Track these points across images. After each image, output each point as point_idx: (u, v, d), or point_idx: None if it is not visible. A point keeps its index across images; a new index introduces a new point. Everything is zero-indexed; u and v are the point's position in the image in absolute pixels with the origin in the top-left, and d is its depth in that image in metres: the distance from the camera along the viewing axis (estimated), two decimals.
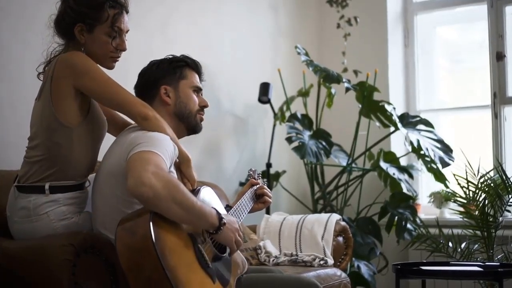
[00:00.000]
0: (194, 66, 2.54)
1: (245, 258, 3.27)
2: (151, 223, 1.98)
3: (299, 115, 4.30)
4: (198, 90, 2.53)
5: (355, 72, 4.54)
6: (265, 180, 2.83)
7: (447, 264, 3.05)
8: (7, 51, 3.06)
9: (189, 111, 2.48)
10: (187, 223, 2.11)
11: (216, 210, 2.17)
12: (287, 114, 4.42)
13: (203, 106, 2.54)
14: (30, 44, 3.08)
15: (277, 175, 4.50)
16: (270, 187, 4.36)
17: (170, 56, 2.54)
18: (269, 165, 4.28)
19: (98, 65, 2.38)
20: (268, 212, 4.02)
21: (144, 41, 3.69)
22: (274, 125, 4.41)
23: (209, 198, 2.36)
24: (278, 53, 4.81)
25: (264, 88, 4.28)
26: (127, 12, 2.46)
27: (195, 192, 2.32)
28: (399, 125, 4.17)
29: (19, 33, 3.10)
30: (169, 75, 2.47)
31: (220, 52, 4.34)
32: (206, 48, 4.22)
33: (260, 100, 4.32)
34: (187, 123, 2.49)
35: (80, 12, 2.36)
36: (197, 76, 2.54)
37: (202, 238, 2.18)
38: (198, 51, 4.14)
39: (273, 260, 3.37)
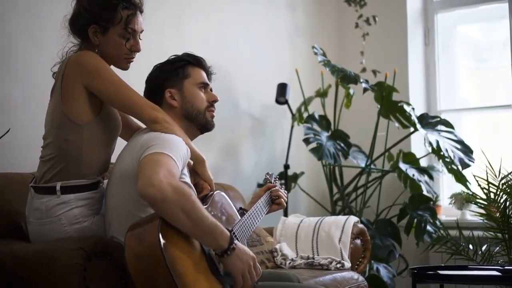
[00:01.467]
0: (196, 62, 2.49)
1: (261, 261, 3.28)
2: (159, 230, 1.94)
3: (316, 116, 4.26)
4: (204, 86, 2.48)
5: (374, 72, 4.50)
6: (282, 182, 2.80)
7: (465, 268, 2.98)
8: (21, 52, 3.05)
9: (197, 109, 2.43)
10: (193, 236, 2.05)
11: (230, 234, 2.08)
12: (305, 115, 4.38)
13: (212, 102, 2.49)
14: (43, 45, 3.07)
15: (295, 177, 4.46)
16: (288, 189, 4.33)
17: (173, 57, 2.50)
18: (287, 166, 4.24)
19: (109, 66, 2.36)
20: (286, 214, 3.98)
21: (159, 41, 3.67)
22: (292, 126, 4.37)
23: (222, 204, 2.32)
24: (296, 53, 4.78)
25: (281, 89, 4.25)
26: (141, 12, 2.43)
27: (208, 196, 2.30)
28: (418, 125, 4.11)
29: (33, 34, 3.09)
30: (172, 77, 2.44)
31: (236, 52, 4.31)
32: (222, 48, 4.19)
33: (278, 101, 4.28)
34: (197, 122, 2.45)
35: (93, 13, 2.34)
36: (202, 71, 2.49)
37: None
38: (214, 51, 4.12)
39: (289, 263, 3.33)
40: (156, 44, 3.54)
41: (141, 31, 2.44)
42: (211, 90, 2.53)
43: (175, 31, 3.89)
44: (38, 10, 3.13)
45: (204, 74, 2.50)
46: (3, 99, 3.00)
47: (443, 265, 3.39)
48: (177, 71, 2.44)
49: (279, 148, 4.56)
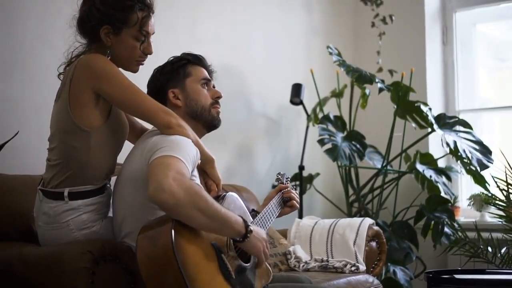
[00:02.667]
0: (196, 60, 2.47)
1: (274, 263, 3.24)
2: (173, 232, 1.92)
3: (331, 117, 4.21)
4: (207, 82, 2.45)
5: (391, 72, 4.44)
6: (294, 184, 2.76)
7: (483, 272, 2.92)
8: (29, 53, 3.03)
9: (201, 106, 2.40)
10: (212, 230, 2.05)
11: (243, 218, 2.10)
12: (320, 116, 4.33)
13: (216, 98, 2.46)
14: (52, 46, 3.04)
15: (310, 178, 4.41)
16: (304, 190, 4.29)
17: (172, 58, 2.47)
18: (301, 167, 4.19)
19: (120, 70, 2.30)
20: (300, 216, 3.94)
21: (171, 41, 3.63)
22: (307, 127, 4.33)
23: (234, 205, 2.30)
24: (311, 53, 4.73)
25: (296, 89, 4.20)
26: (153, 13, 2.38)
27: (220, 198, 2.27)
28: (435, 126, 4.04)
29: (42, 34, 3.07)
30: (173, 77, 2.41)
31: (251, 52, 4.28)
32: (236, 48, 4.16)
33: (292, 102, 4.24)
34: (203, 120, 2.42)
35: (107, 14, 2.29)
36: (202, 69, 2.47)
37: (226, 248, 2.11)
38: (228, 51, 4.10)
39: (303, 266, 3.28)
40: (167, 45, 3.50)
41: (153, 33, 2.39)
42: (213, 87, 2.50)
43: (188, 31, 3.86)
44: (45, 10, 3.11)
45: (205, 71, 2.47)
46: (14, 101, 2.98)
47: (460, 268, 3.32)
48: (178, 71, 2.42)
49: (294, 149, 4.52)
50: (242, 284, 2.09)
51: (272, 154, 4.41)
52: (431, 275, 2.65)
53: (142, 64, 2.40)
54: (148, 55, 2.39)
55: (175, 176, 1.96)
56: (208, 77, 2.48)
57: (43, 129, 2.65)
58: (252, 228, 2.10)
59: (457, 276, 2.67)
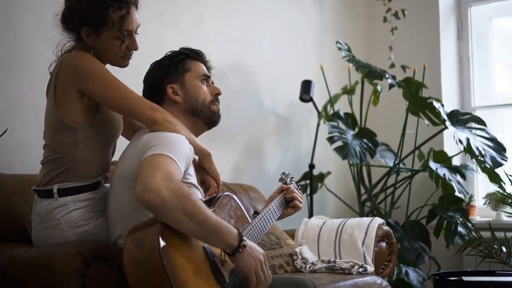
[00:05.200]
0: (195, 56, 2.41)
1: (280, 264, 3.16)
2: (159, 235, 1.84)
3: (342, 114, 4.12)
4: (206, 78, 2.39)
5: (403, 68, 4.35)
6: (299, 187, 2.69)
7: (492, 273, 2.82)
8: (30, 51, 2.97)
9: (201, 103, 2.34)
10: (199, 238, 1.96)
11: (238, 230, 1.99)
12: (331, 113, 4.25)
13: (216, 95, 2.39)
14: (54, 43, 2.99)
15: (321, 177, 4.33)
16: (315, 189, 4.21)
17: (170, 53, 2.41)
18: (311, 166, 4.11)
19: (105, 66, 2.26)
20: (310, 216, 3.86)
21: (178, 38, 3.55)
22: (318, 125, 4.24)
23: (230, 206, 2.22)
24: (323, 49, 4.64)
25: (306, 86, 4.12)
26: (136, 6, 2.30)
27: (215, 199, 2.19)
28: (448, 123, 3.93)
29: (42, 32, 3.00)
30: (172, 72, 2.35)
31: (260, 49, 4.20)
32: (244, 45, 4.09)
33: (302, 99, 4.16)
34: (203, 116, 2.35)
35: (82, 16, 2.24)
36: (201, 65, 2.41)
37: (219, 251, 2.03)
38: (236, 48, 4.03)
39: (309, 267, 3.19)
40: (173, 41, 3.43)
41: (138, 26, 2.32)
42: (212, 83, 2.43)
43: (194, 27, 3.78)
44: (47, 5, 3.03)
45: (204, 67, 2.41)
46: (18, 99, 2.93)
47: (469, 270, 3.22)
48: (177, 66, 2.36)
49: (305, 147, 4.44)
50: None
51: (282, 153, 4.34)
52: (437, 277, 2.55)
53: (130, 59, 2.34)
54: (135, 51, 2.31)
55: (162, 176, 1.89)
56: (208, 73, 2.42)
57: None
58: (246, 244, 1.97)
59: (465, 278, 2.57)
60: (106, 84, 2.19)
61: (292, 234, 3.49)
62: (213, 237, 1.94)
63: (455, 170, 4.11)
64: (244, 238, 1.98)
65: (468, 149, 3.85)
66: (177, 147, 2.07)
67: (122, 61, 2.33)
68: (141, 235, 1.89)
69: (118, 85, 2.20)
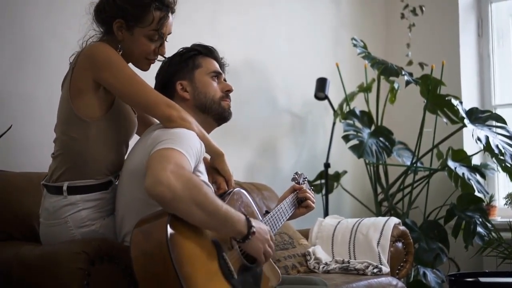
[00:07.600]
0: (207, 52, 2.36)
1: (293, 265, 3.10)
2: (168, 227, 1.81)
3: (357, 112, 4.06)
4: (217, 75, 2.35)
5: (421, 65, 4.27)
6: (311, 187, 2.64)
7: (510, 275, 2.74)
8: (46, 51, 2.94)
9: (211, 99, 2.30)
10: (211, 228, 1.93)
11: (246, 217, 1.98)
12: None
13: (227, 91, 2.34)
14: (69, 44, 2.95)
15: (337, 176, 4.26)
16: (331, 189, 4.15)
17: (181, 49, 2.37)
18: (327, 165, 4.04)
19: (123, 60, 2.20)
20: (325, 216, 3.80)
21: (192, 36, 3.48)
22: (334, 123, 4.18)
23: (241, 201, 2.18)
24: (339, 46, 4.58)
25: (321, 84, 4.06)
26: (172, 13, 2.28)
27: (226, 194, 2.16)
28: (466, 120, 3.85)
29: (58, 32, 2.99)
30: (182, 68, 2.31)
31: (274, 46, 4.15)
32: (259, 42, 4.04)
33: (317, 97, 4.10)
34: (213, 113, 2.31)
35: (122, 8, 2.20)
36: (213, 61, 2.36)
37: (228, 245, 2.00)
38: (250, 45, 3.98)
39: (323, 268, 3.13)
40: (187, 38, 3.38)
41: (169, 34, 2.29)
42: (225, 80, 2.38)
43: (209, 24, 3.74)
44: (63, 8, 3.02)
45: (216, 64, 2.36)
46: (27, 98, 2.90)
47: (487, 271, 3.13)
48: (187, 62, 2.32)
49: (320, 146, 4.37)
50: (244, 285, 1.97)
51: (297, 151, 4.28)
52: (453, 278, 2.48)
53: (153, 63, 2.31)
54: (161, 56, 2.29)
55: (173, 168, 1.86)
56: (219, 69, 2.37)
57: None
58: (255, 230, 1.98)
59: (482, 280, 2.49)
60: (124, 76, 2.14)
61: (306, 234, 3.44)
62: (224, 227, 1.93)
63: (474, 169, 4.03)
64: (253, 224, 1.98)
65: (487, 148, 3.76)
66: (187, 142, 2.03)
67: (145, 64, 2.29)
68: (149, 227, 1.87)
69: (136, 79, 2.15)
